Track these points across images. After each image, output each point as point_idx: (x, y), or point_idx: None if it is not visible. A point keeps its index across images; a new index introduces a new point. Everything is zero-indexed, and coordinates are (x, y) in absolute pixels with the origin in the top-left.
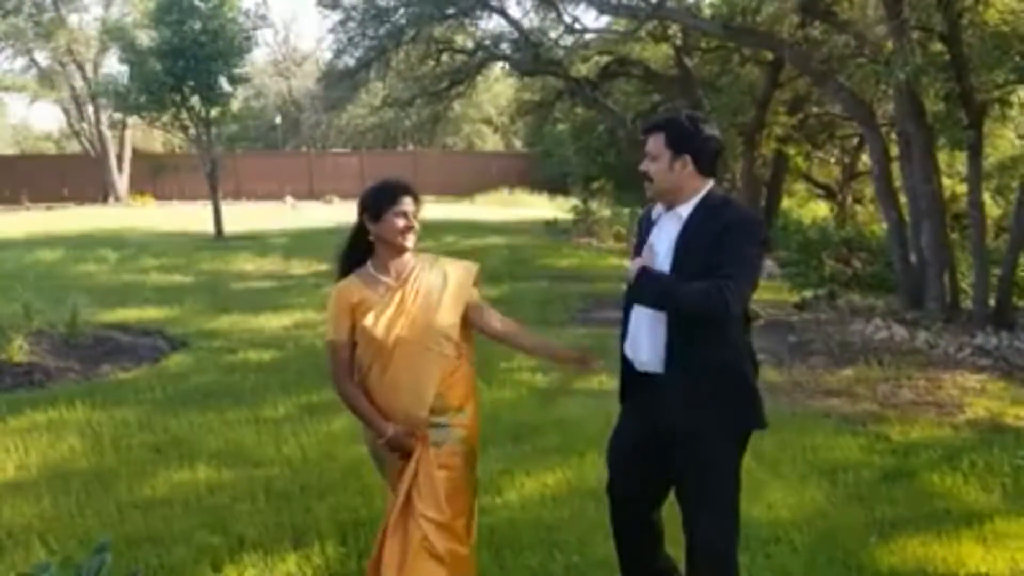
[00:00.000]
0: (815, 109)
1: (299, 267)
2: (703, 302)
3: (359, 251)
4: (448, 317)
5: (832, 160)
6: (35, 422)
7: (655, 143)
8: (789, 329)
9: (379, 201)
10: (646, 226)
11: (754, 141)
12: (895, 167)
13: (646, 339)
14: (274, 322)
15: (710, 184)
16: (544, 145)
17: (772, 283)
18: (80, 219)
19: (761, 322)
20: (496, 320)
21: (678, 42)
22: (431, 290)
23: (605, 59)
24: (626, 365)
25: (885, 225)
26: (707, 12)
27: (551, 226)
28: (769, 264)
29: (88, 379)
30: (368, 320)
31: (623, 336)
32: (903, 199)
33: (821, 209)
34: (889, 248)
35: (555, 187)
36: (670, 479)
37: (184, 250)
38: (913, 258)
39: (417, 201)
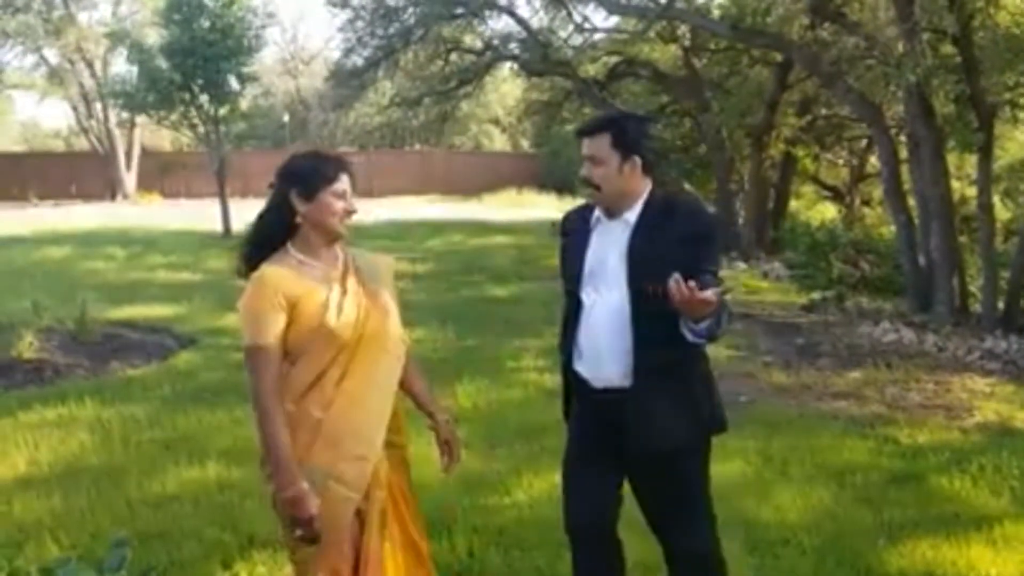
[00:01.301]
0: (824, 111)
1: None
2: (725, 325)
3: (278, 234)
4: (395, 314)
5: (840, 162)
6: (45, 418)
7: (599, 146)
8: (797, 331)
9: (314, 177)
10: (579, 233)
11: (762, 143)
12: (904, 169)
13: (608, 352)
14: None
15: (650, 185)
16: (552, 145)
17: (780, 285)
18: (88, 216)
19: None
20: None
21: (687, 43)
22: (368, 278)
23: (614, 59)
24: (577, 383)
25: (894, 227)
26: (716, 13)
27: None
28: (776, 266)
29: (97, 376)
30: (329, 316)
31: (568, 353)
32: (912, 201)
33: (829, 211)
34: (898, 250)
35: (563, 187)
36: (621, 494)
37: (192, 248)
38: (922, 261)
39: (354, 182)
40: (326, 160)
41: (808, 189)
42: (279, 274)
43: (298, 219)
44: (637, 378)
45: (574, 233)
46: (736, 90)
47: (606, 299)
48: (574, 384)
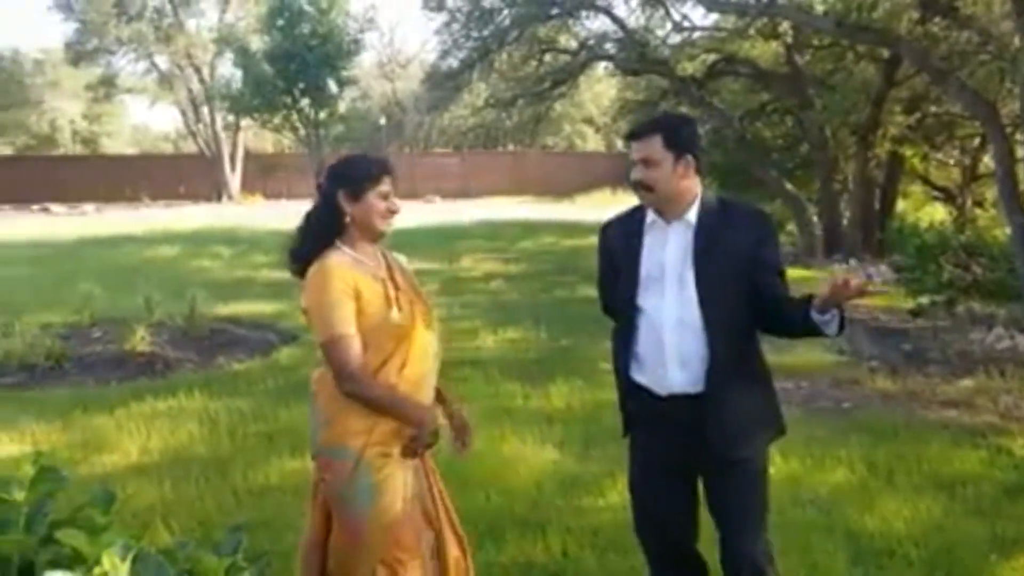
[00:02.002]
0: (934, 108)
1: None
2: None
3: (327, 232)
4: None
5: (951, 161)
6: (156, 409)
7: (651, 147)
8: (904, 336)
9: (360, 178)
10: (629, 239)
11: (868, 141)
12: (1020, 169)
13: (673, 357)
14: None
15: (700, 185)
16: None
17: (886, 288)
18: (195, 216)
19: None
20: None
21: (788, 39)
22: (410, 277)
23: (712, 57)
24: (638, 393)
25: (1008, 230)
26: (820, 8)
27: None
28: (883, 269)
29: (205, 369)
30: (392, 311)
31: (626, 362)
32: None
33: (939, 212)
34: (1012, 254)
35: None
36: (704, 502)
37: None
38: None
39: (395, 183)
40: (372, 162)
41: (916, 189)
42: (343, 265)
43: (346, 218)
44: (710, 383)
45: (621, 240)
46: (840, 87)
47: (669, 303)
48: (634, 394)
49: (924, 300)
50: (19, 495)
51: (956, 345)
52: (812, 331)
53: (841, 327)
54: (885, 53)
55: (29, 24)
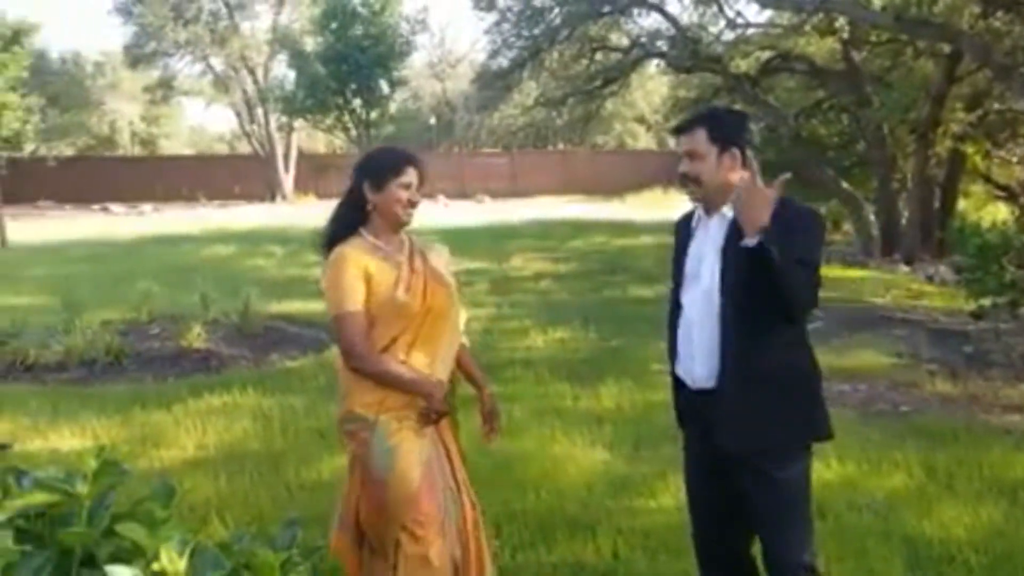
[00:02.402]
0: (996, 105)
1: (450, 264)
2: (803, 296)
3: (353, 220)
4: (455, 291)
5: (1014, 159)
6: (212, 405)
7: (696, 140)
8: (964, 339)
9: (383, 169)
10: (684, 236)
11: (927, 139)
12: None
13: (700, 353)
14: None
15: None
16: None
17: (946, 289)
18: (250, 216)
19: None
20: None
21: (845, 35)
22: (436, 263)
23: (766, 54)
24: (679, 387)
25: None
26: (878, 3)
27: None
28: (942, 269)
29: (258, 366)
30: (399, 290)
31: (672, 357)
32: None
33: (1001, 212)
34: None
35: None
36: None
37: None
38: None
39: (422, 175)
40: (395, 154)
41: (978, 188)
42: (356, 251)
43: (369, 207)
44: (722, 376)
45: (681, 236)
46: (899, 84)
47: (697, 297)
48: (676, 389)
49: (986, 302)
50: (82, 488)
51: (1020, 348)
52: (762, 265)
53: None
54: (946, 48)
55: (90, 28)
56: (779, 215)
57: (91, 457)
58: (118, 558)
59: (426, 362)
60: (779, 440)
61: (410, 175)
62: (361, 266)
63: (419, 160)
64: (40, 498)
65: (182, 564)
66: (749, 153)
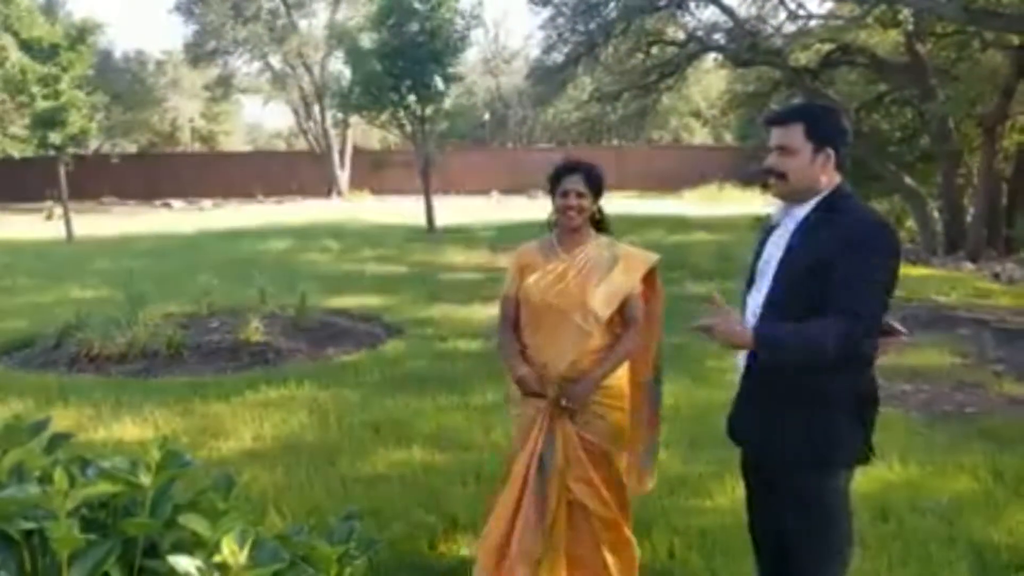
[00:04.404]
0: None
1: (504, 260)
2: (827, 352)
3: (549, 223)
4: (600, 297)
5: None
6: (269, 398)
7: (791, 135)
8: None
9: (552, 180)
10: (764, 235)
11: (995, 133)
12: None
13: (743, 355)
14: (481, 313)
15: (838, 181)
16: (757, 138)
17: (1013, 288)
18: (306, 211)
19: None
20: (629, 318)
21: (909, 27)
22: (593, 269)
23: (827, 47)
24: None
25: None
26: None
27: (762, 222)
28: (1010, 267)
29: (314, 360)
30: (529, 281)
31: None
32: None
33: None
34: None
35: (768, 182)
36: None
37: (398, 242)
38: None
39: (591, 182)
40: (560, 165)
41: None
42: (525, 248)
43: (552, 214)
44: (747, 380)
45: (762, 237)
46: (965, 77)
47: (754, 301)
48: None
49: None
50: (145, 479)
51: None
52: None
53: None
54: (1015, 40)
55: (152, 27)
56: (836, 217)
57: (154, 448)
58: (180, 548)
59: (538, 348)
60: (795, 457)
61: (568, 183)
62: (521, 260)
63: (580, 166)
64: (104, 488)
65: (243, 556)
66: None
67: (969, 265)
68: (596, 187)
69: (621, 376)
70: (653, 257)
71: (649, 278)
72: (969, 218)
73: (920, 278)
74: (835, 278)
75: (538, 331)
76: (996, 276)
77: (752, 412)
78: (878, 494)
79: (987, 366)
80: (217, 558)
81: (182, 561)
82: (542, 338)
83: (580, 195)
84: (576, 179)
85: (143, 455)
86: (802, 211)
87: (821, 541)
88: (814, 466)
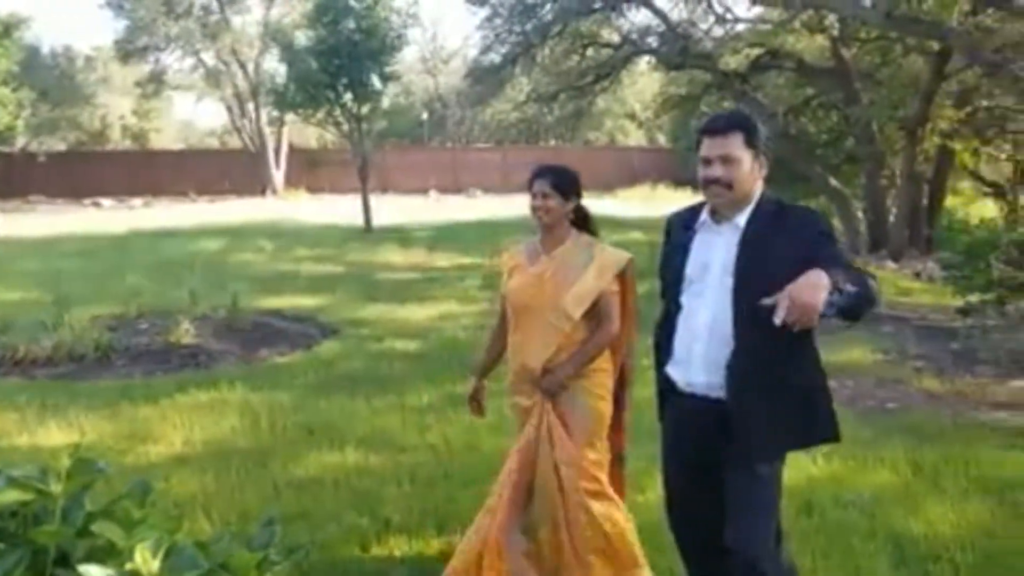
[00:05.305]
0: (985, 102)
1: (442, 260)
2: (871, 301)
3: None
4: (573, 298)
5: (1003, 156)
6: (199, 401)
7: (732, 145)
8: (951, 336)
9: (528, 184)
10: (683, 235)
11: (916, 136)
12: None
13: (700, 358)
14: (418, 313)
15: (762, 187)
16: (689, 140)
17: (933, 286)
18: (240, 211)
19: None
20: (603, 316)
21: (835, 33)
22: (569, 269)
23: (756, 51)
24: (668, 386)
25: None
26: (868, 0)
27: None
28: (930, 266)
29: (247, 362)
30: (512, 283)
31: (664, 356)
32: None
33: (989, 209)
34: None
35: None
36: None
37: (335, 241)
38: None
39: (558, 184)
40: (533, 170)
41: (966, 185)
42: (514, 250)
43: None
44: (737, 390)
45: (678, 234)
46: (888, 81)
47: (707, 305)
48: (664, 388)
49: (973, 298)
50: (56, 487)
51: (1007, 345)
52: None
53: (848, 302)
54: (935, 46)
55: (81, 22)
56: (782, 222)
57: (65, 455)
58: (93, 557)
59: (517, 345)
60: (782, 447)
61: (535, 186)
62: (510, 262)
63: (545, 171)
64: (12, 496)
65: (156, 564)
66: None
67: (891, 264)
68: (564, 189)
69: (605, 368)
70: (624, 257)
71: (622, 276)
72: (892, 218)
73: None
74: (812, 264)
75: (517, 330)
76: (917, 275)
77: (747, 423)
78: (803, 489)
79: (908, 362)
80: (130, 566)
81: (93, 570)
82: (521, 336)
83: (545, 196)
84: (543, 182)
85: (57, 462)
86: (742, 218)
87: (771, 507)
88: (799, 446)
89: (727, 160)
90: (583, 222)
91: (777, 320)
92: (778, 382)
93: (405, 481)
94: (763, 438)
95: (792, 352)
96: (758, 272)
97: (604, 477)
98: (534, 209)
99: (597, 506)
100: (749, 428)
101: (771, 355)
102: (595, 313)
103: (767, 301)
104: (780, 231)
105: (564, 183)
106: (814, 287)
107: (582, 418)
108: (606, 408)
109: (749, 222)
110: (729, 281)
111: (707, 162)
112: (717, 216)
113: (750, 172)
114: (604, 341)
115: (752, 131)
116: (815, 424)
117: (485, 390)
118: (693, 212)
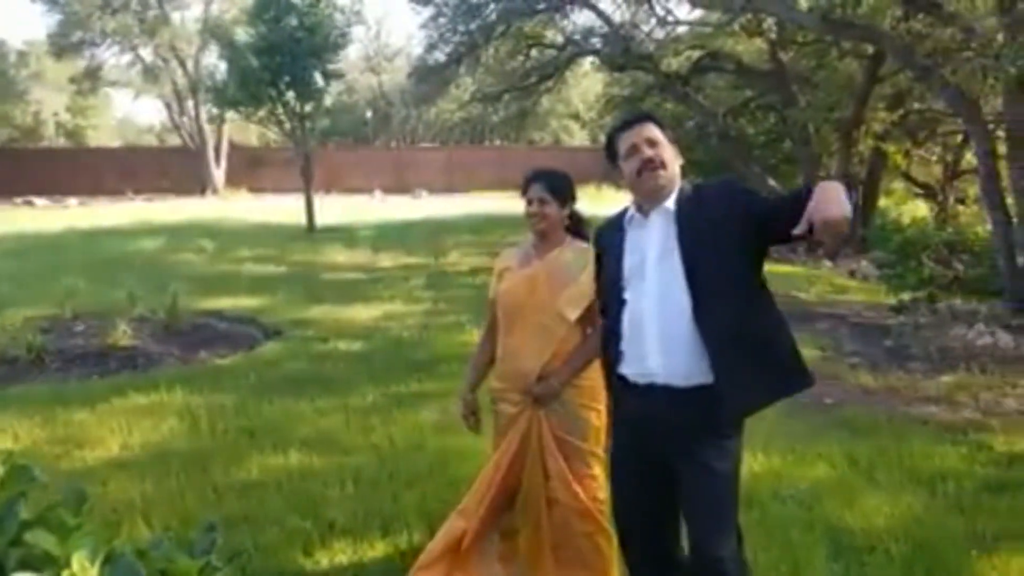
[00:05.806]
0: (917, 105)
1: (387, 260)
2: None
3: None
4: (567, 300)
5: (934, 158)
6: (138, 404)
7: (653, 130)
8: (885, 333)
9: (522, 189)
10: (616, 239)
11: (851, 138)
12: (1002, 166)
13: (658, 344)
14: (363, 313)
15: None
16: None
17: (867, 284)
18: (179, 210)
19: None
20: (595, 323)
21: (773, 36)
22: (563, 273)
23: (697, 54)
24: (622, 387)
25: (990, 226)
26: (804, 4)
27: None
28: (864, 265)
29: (187, 364)
30: (503, 286)
31: (613, 355)
32: (1010, 200)
33: (921, 209)
34: (994, 250)
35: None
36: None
37: (277, 241)
38: (1020, 261)
39: (553, 189)
40: (527, 175)
41: (899, 186)
42: (504, 254)
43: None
44: (717, 368)
45: (608, 240)
46: (824, 84)
47: (650, 291)
48: (618, 389)
49: (905, 296)
50: None
51: (937, 341)
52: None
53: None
54: (869, 50)
55: (12, 15)
56: (706, 194)
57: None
58: (28, 567)
59: (510, 350)
60: (780, 393)
61: (529, 192)
62: (499, 265)
63: (540, 176)
64: None
65: (94, 572)
66: None
67: (827, 263)
68: (560, 193)
69: (595, 377)
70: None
71: None
72: None
73: (782, 275)
74: (766, 208)
75: (510, 333)
76: (852, 273)
77: (738, 394)
78: (743, 484)
79: (843, 359)
80: (66, 574)
81: None
82: (514, 340)
83: (542, 202)
84: (538, 187)
85: None
86: (671, 203)
87: (734, 507)
88: (740, 435)
89: (653, 143)
90: (578, 226)
91: (817, 236)
92: (757, 336)
93: (349, 483)
94: (748, 394)
95: (752, 302)
96: (704, 239)
97: (598, 494)
98: (530, 216)
99: (580, 525)
100: (740, 391)
101: (735, 313)
102: (589, 318)
103: (798, 230)
104: (708, 201)
105: (561, 188)
106: (833, 200)
107: (574, 430)
108: (599, 420)
109: (678, 201)
110: (674, 260)
111: (635, 148)
112: (644, 209)
113: (675, 157)
114: (598, 344)
115: (659, 122)
116: (791, 371)
117: (477, 402)
118: (618, 217)
